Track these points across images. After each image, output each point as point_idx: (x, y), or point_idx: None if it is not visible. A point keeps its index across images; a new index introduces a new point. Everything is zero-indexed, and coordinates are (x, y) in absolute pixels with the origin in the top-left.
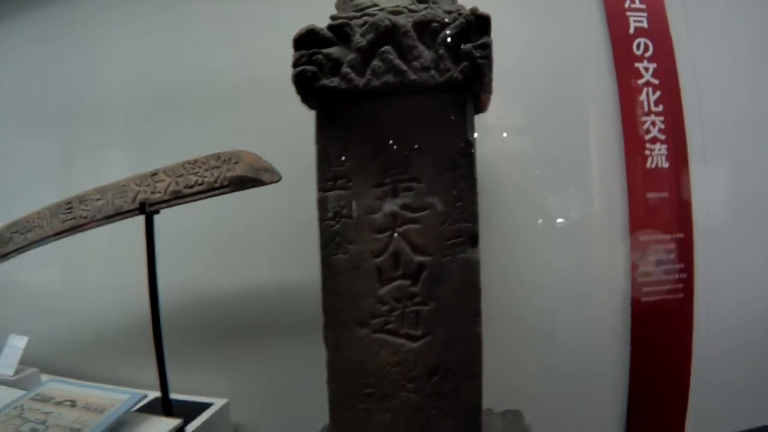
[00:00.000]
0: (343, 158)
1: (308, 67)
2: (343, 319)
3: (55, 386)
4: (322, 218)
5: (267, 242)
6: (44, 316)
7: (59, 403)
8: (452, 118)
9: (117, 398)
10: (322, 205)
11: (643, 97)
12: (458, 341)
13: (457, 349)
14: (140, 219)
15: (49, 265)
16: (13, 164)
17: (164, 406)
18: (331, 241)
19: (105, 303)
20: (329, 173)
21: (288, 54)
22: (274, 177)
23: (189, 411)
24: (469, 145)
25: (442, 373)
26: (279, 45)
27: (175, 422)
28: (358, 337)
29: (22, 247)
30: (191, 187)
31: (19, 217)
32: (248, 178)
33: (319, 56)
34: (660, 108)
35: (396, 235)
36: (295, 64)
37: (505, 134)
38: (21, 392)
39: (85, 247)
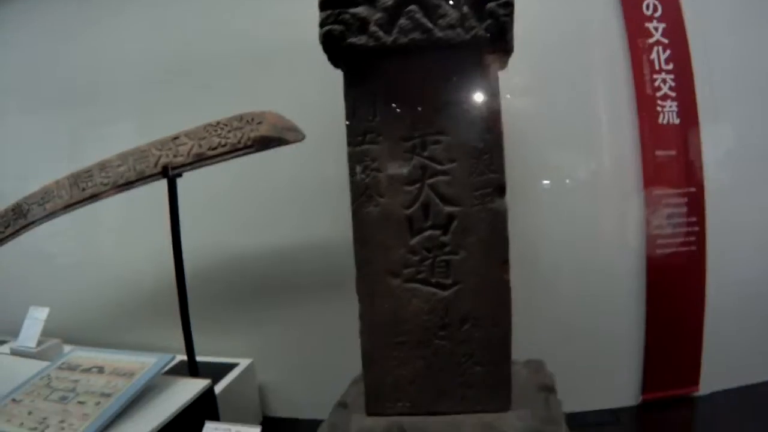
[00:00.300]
0: (372, 114)
1: (336, 27)
2: (375, 270)
3: (81, 354)
4: (353, 173)
5: (290, 201)
6: (64, 287)
7: (87, 371)
8: (477, 73)
9: (146, 362)
10: (353, 160)
11: (653, 55)
12: (488, 289)
13: (486, 296)
14: (159, 185)
15: (68, 236)
16: (23, 143)
17: (190, 368)
18: (362, 195)
19: (126, 270)
20: (359, 129)
21: (307, 15)
22: (298, 136)
23: (215, 372)
24: (495, 99)
25: (472, 320)
26: (300, 6)
27: (203, 383)
28: (390, 287)
29: (41, 218)
30: (214, 148)
31: (37, 189)
32: (272, 137)
33: (346, 16)
34: (670, 66)
35: (425, 186)
36: (323, 24)
37: (508, 96)
38: (45, 363)
39: (103, 216)
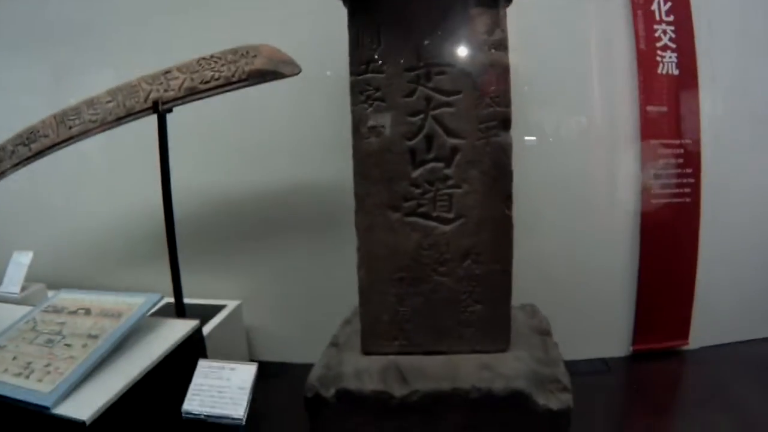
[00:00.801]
0: (377, 43)
1: None
2: (374, 203)
3: (66, 296)
4: (355, 102)
5: (283, 139)
6: (48, 231)
7: (73, 313)
8: (485, 6)
9: (133, 302)
10: (355, 89)
11: (654, 6)
12: (490, 224)
13: (489, 232)
14: (149, 122)
15: (53, 178)
16: (6, 90)
17: (178, 310)
18: (363, 125)
19: (112, 212)
20: (362, 58)
21: None
22: (294, 69)
23: (203, 314)
24: (502, 32)
25: (473, 256)
26: None
27: (192, 323)
28: (390, 221)
29: (26, 159)
30: (207, 82)
31: (21, 129)
32: (268, 71)
33: None
34: (671, 18)
35: (429, 118)
36: None
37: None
38: (29, 308)
39: (89, 157)
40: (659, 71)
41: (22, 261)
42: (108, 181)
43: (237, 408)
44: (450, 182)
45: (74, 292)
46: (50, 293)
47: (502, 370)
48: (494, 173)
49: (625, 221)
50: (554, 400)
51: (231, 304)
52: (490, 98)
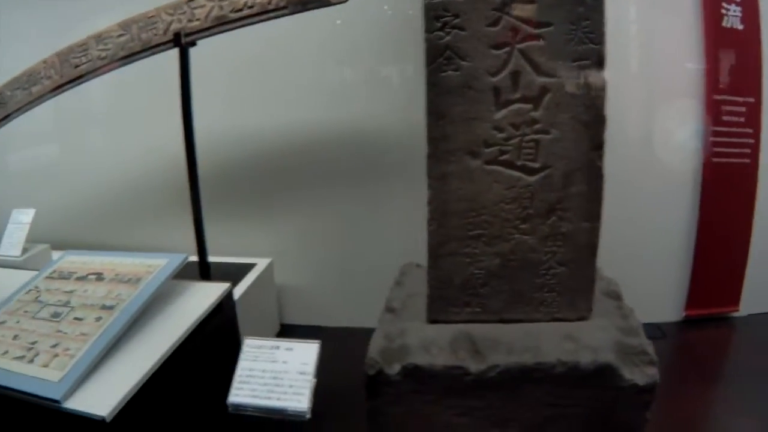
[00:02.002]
0: None
1: None
2: (451, 148)
3: (74, 259)
4: (429, 28)
5: (321, 76)
6: (51, 186)
7: (82, 278)
8: None
9: (153, 263)
10: (430, 13)
11: None
12: (580, 176)
13: (578, 185)
14: (162, 60)
15: (54, 127)
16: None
17: (202, 270)
18: (440, 56)
19: (123, 163)
20: None
21: None
22: None
23: (229, 274)
24: None
25: (559, 212)
26: None
27: (223, 287)
28: (468, 169)
29: (27, 104)
30: (239, 10)
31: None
32: None
33: None
34: None
35: (515, 51)
36: None
37: None
38: (32, 274)
39: (94, 101)
40: (723, 24)
41: (22, 219)
42: (118, 126)
43: (300, 398)
44: (537, 126)
45: (83, 253)
46: (55, 255)
47: (588, 341)
48: (586, 118)
49: (684, 181)
50: (640, 375)
51: (261, 263)
52: (583, 32)
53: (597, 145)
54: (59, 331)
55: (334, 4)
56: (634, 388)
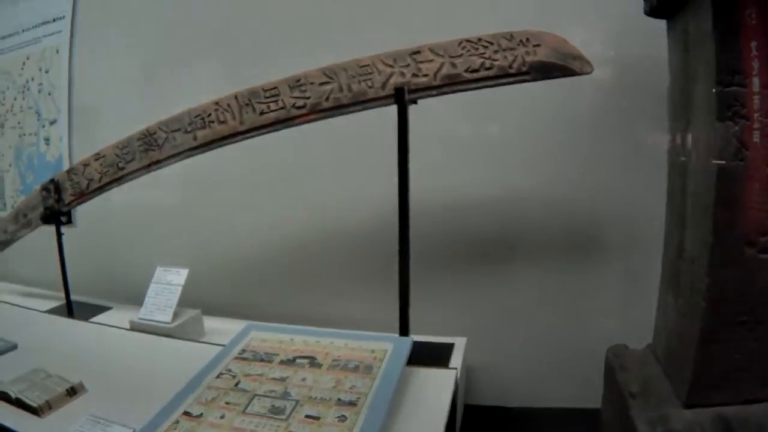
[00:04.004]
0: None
1: None
2: (734, 237)
3: (265, 336)
4: (721, 116)
5: (538, 137)
6: (195, 243)
7: (289, 362)
8: None
9: (376, 347)
10: (723, 102)
11: None
12: None
13: None
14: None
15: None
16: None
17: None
18: (727, 147)
19: (286, 225)
20: (728, 65)
21: None
22: (585, 67)
23: (431, 355)
24: None
25: None
26: None
27: (452, 373)
28: (745, 258)
29: (187, 150)
30: (475, 71)
31: (178, 112)
32: (555, 64)
33: None
34: None
35: None
36: None
37: None
38: (183, 344)
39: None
40: None
41: (171, 280)
42: (289, 184)
43: None
44: None
45: (271, 328)
46: (206, 322)
47: None
48: None
49: None
50: None
51: (459, 342)
52: None
53: None
54: None
55: (578, 74)
56: None
